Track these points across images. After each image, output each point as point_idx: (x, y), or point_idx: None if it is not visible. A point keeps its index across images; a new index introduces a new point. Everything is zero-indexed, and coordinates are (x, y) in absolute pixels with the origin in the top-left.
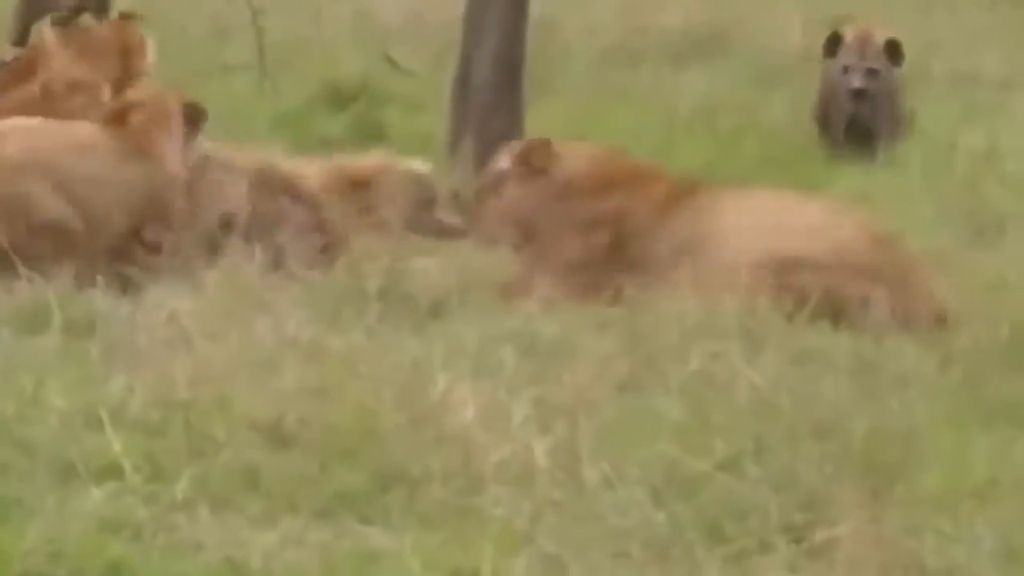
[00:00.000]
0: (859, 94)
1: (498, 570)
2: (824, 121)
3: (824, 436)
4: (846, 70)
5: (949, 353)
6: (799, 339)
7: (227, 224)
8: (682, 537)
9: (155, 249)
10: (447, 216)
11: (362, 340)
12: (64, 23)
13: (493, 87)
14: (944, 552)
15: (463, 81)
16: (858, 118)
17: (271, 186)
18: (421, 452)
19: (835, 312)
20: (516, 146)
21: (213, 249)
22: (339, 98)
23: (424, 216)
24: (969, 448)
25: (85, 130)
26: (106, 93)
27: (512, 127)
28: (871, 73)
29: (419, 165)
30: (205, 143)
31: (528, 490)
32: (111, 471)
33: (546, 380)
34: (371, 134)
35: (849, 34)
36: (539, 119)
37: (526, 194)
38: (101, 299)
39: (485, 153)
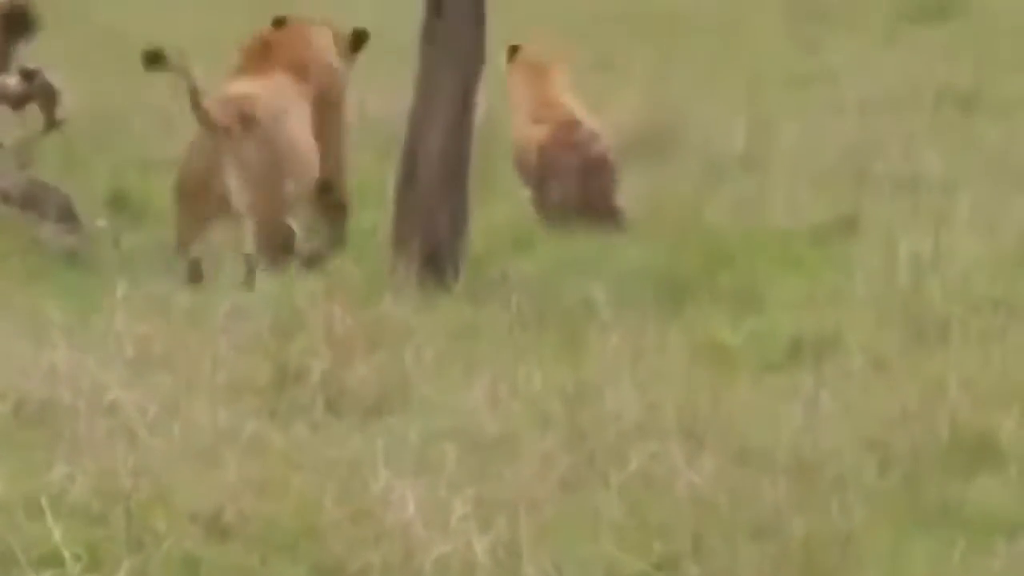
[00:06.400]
0: None
1: None
2: None
3: (763, 537)
4: None
5: (888, 455)
6: (739, 438)
7: None
8: None
9: None
10: None
11: (304, 434)
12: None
13: (439, 185)
14: None
15: (408, 179)
16: None
17: None
18: (361, 547)
19: None
20: None
21: None
22: None
23: None
24: (907, 551)
25: None
26: None
27: (457, 224)
28: None
29: None
30: None
31: None
32: (51, 560)
33: (488, 477)
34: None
35: None
36: (485, 217)
37: None
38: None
39: (431, 252)
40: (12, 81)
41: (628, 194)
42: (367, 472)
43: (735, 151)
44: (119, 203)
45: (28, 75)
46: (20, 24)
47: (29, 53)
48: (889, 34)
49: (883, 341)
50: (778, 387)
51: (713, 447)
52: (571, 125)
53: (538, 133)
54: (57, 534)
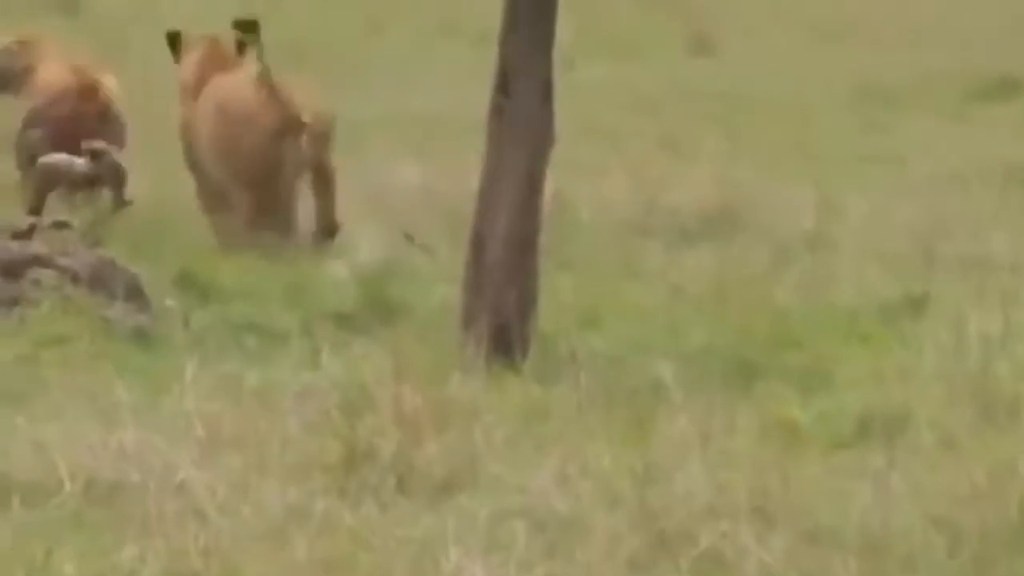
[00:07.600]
0: None
1: None
2: None
3: None
4: None
5: (958, 534)
6: (809, 517)
7: None
8: None
9: None
10: None
11: (374, 513)
12: None
13: (506, 264)
14: None
15: (476, 258)
16: None
17: None
18: None
19: None
20: None
21: None
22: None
23: None
24: None
25: None
26: None
27: (526, 303)
28: None
29: None
30: None
31: None
32: None
33: (557, 556)
34: (385, 308)
35: None
36: (552, 294)
37: None
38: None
39: (500, 331)
40: (80, 161)
41: (695, 272)
42: (437, 551)
43: (803, 230)
44: (187, 282)
45: (96, 155)
46: None
47: None
48: (956, 113)
49: (952, 420)
50: (847, 465)
51: (783, 526)
52: None
53: None
54: None
